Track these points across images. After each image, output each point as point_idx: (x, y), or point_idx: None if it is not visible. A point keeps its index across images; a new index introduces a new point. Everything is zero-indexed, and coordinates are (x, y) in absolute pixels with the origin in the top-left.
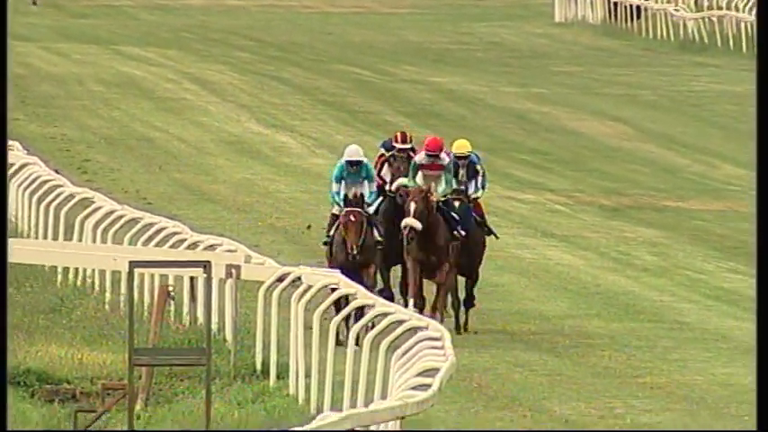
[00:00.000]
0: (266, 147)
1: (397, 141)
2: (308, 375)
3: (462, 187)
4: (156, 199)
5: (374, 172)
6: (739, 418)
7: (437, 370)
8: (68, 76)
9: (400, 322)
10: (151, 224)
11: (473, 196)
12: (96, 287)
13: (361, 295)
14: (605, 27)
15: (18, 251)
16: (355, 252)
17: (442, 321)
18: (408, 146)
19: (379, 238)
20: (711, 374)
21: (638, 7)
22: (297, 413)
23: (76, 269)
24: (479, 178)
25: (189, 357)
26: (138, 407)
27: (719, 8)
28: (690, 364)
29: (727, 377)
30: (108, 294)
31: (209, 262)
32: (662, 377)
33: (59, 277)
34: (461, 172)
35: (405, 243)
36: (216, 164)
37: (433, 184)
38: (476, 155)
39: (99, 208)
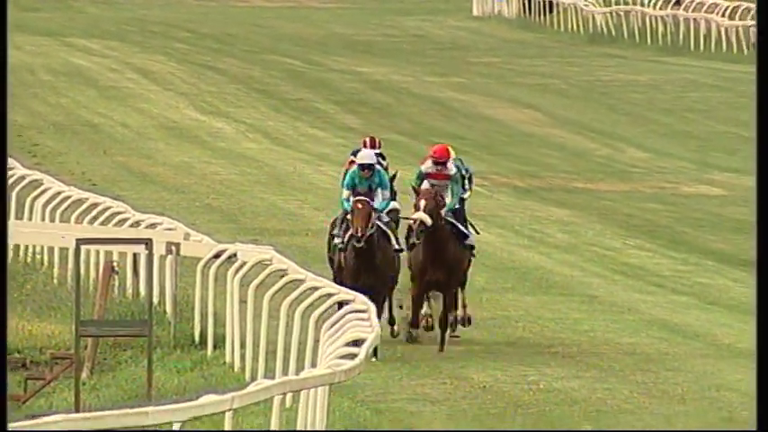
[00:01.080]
0: (203, 132)
1: (366, 147)
2: (243, 345)
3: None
4: (101, 181)
5: (387, 179)
6: (644, 384)
7: (363, 340)
8: (20, 65)
9: (329, 295)
10: (96, 204)
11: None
12: (45, 263)
13: (292, 271)
14: (520, 21)
15: None
16: (360, 235)
17: (456, 325)
18: (377, 150)
19: (397, 247)
20: (618, 344)
21: (551, 2)
22: (233, 380)
23: (26, 246)
24: (466, 183)
25: (132, 329)
26: (83, 375)
27: (626, 3)
28: (598, 335)
29: (633, 347)
30: (56, 270)
31: (150, 239)
32: (572, 347)
33: (10, 254)
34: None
35: (414, 240)
36: (156, 148)
37: (435, 187)
38: (459, 159)
39: (48, 189)
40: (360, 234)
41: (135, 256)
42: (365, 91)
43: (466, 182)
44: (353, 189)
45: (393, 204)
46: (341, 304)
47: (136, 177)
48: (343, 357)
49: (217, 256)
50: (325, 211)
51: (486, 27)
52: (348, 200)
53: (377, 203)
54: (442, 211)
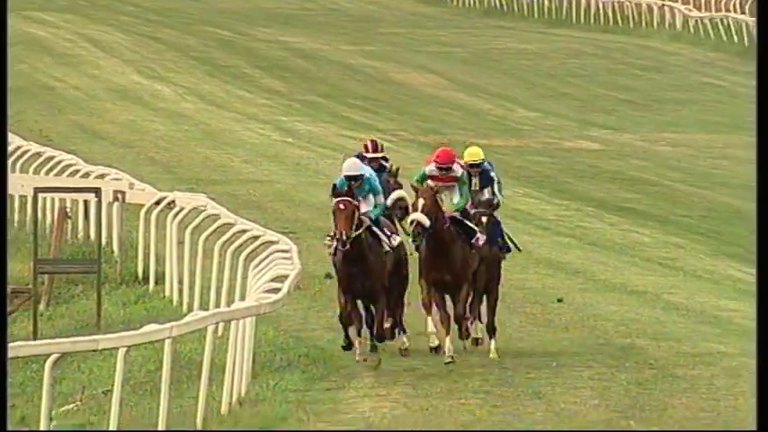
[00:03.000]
0: (146, 94)
1: (367, 151)
2: (180, 281)
3: (490, 197)
4: (56, 137)
5: (378, 184)
6: (533, 315)
7: (287, 276)
8: None
9: (256, 237)
10: (51, 157)
11: (490, 202)
12: (7, 209)
13: (224, 215)
14: None
15: None
16: (344, 238)
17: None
18: (380, 155)
19: (387, 248)
20: (509, 279)
21: None
22: (172, 312)
23: None
24: (495, 186)
25: (83, 266)
26: (41, 307)
27: None
28: None
29: (522, 282)
30: (16, 215)
31: (99, 188)
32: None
33: None
34: (474, 180)
35: (412, 241)
36: (104, 108)
37: (443, 197)
38: (489, 163)
39: (8, 144)
40: (344, 236)
41: (86, 203)
42: (287, 58)
43: (495, 186)
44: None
45: (399, 193)
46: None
47: (87, 134)
48: (268, 291)
49: (158, 202)
50: (252, 163)
51: (394, 2)
52: None
53: (369, 209)
54: (450, 210)
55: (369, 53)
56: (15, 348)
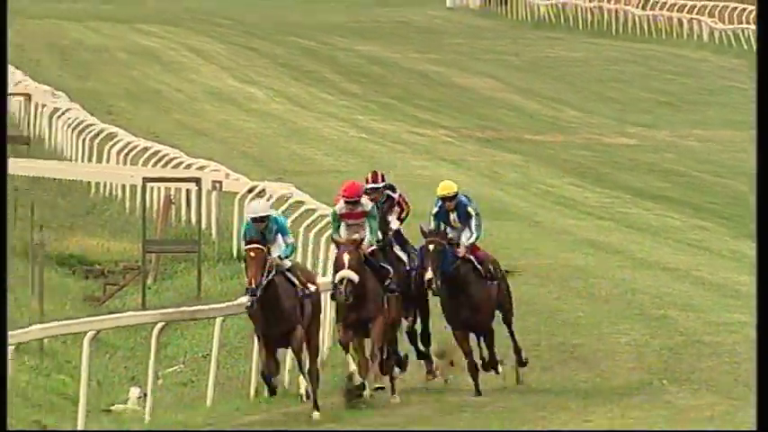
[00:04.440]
0: (240, 96)
1: (368, 182)
2: None
3: (440, 229)
4: (162, 134)
5: (286, 224)
6: (576, 289)
7: None
8: (99, 46)
9: None
10: (158, 151)
11: (467, 243)
12: (119, 196)
13: (308, 202)
14: (482, 11)
15: (63, 171)
16: (255, 287)
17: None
18: (380, 185)
19: (307, 291)
20: (557, 258)
21: None
22: None
23: (105, 183)
24: (472, 222)
25: (185, 246)
26: (149, 281)
27: None
28: (541, 251)
29: (568, 260)
30: (127, 202)
31: (199, 178)
32: (521, 260)
33: (93, 189)
34: (452, 216)
35: (339, 299)
36: (204, 109)
37: (357, 235)
38: (465, 196)
39: (121, 140)
40: (254, 285)
41: (188, 191)
42: (363, 64)
43: (473, 221)
44: (261, 234)
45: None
46: None
47: (188, 131)
48: None
49: (250, 190)
50: (332, 156)
51: (456, 16)
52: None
53: (279, 251)
54: (364, 248)
55: (434, 60)
56: (127, 318)
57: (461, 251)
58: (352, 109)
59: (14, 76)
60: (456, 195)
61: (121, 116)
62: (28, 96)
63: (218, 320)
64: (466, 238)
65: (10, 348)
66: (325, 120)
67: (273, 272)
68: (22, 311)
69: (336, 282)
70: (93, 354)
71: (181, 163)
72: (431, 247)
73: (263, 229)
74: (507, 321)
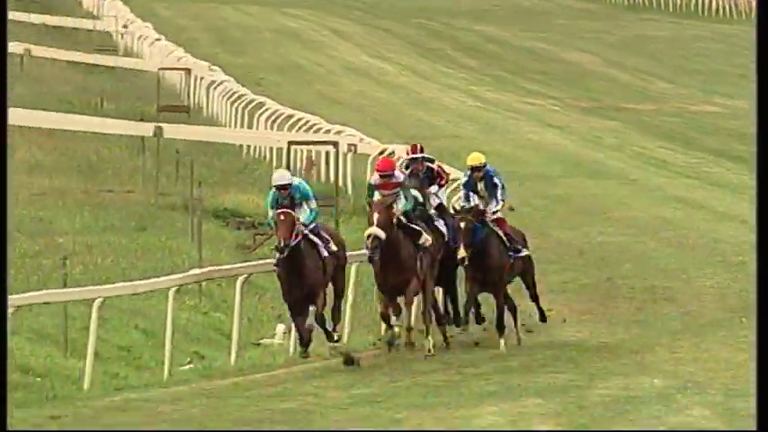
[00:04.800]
0: (372, 70)
1: (408, 154)
2: None
3: (472, 204)
4: (304, 103)
5: (309, 191)
6: (667, 239)
7: None
8: (250, 26)
9: (456, 179)
10: (301, 118)
11: (492, 212)
12: (267, 158)
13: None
14: None
15: (219, 135)
16: (283, 246)
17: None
18: (419, 155)
19: (326, 254)
20: (649, 213)
21: None
22: None
23: (255, 146)
24: (498, 192)
25: (325, 201)
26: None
27: None
28: (634, 205)
29: (659, 213)
30: (274, 161)
31: (337, 142)
32: (615, 212)
33: (244, 151)
34: (479, 185)
35: (369, 254)
36: (341, 81)
37: (389, 198)
38: (491, 167)
39: (269, 108)
40: (283, 243)
41: (327, 153)
42: (480, 42)
43: (498, 191)
44: (276, 207)
45: (414, 194)
46: None
47: (327, 101)
48: None
49: (381, 153)
50: (453, 123)
51: (563, 0)
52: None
53: (303, 217)
54: (397, 213)
55: (542, 38)
56: (273, 263)
57: (488, 217)
58: (469, 81)
59: (176, 52)
60: (484, 166)
61: (269, 88)
62: (188, 71)
63: (355, 266)
64: (492, 208)
65: (171, 291)
66: (446, 91)
67: (299, 236)
68: (183, 258)
69: (366, 236)
70: (244, 294)
71: (320, 128)
72: (462, 224)
73: (287, 196)
74: (530, 291)
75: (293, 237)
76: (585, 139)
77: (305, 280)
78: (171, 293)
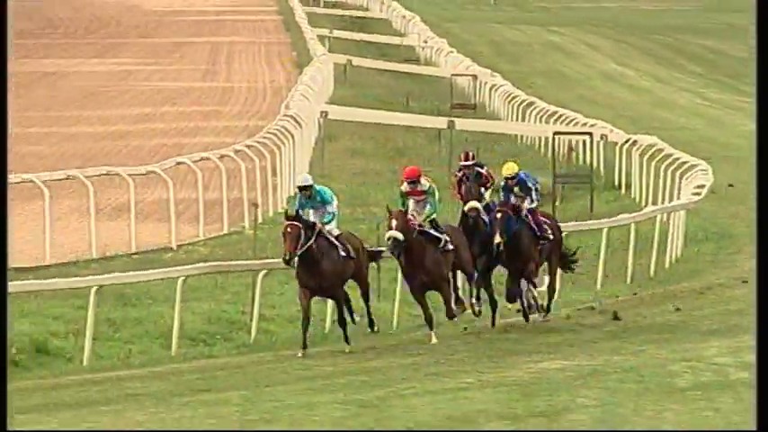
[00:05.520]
0: (619, 76)
1: (461, 160)
2: (641, 188)
3: (511, 200)
4: (565, 102)
5: (329, 195)
6: None
7: (704, 186)
8: (522, 41)
9: (685, 162)
10: (563, 114)
11: (528, 207)
12: (536, 144)
13: (666, 149)
14: None
15: (498, 126)
16: (287, 258)
17: (455, 316)
18: (470, 162)
19: (344, 254)
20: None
21: None
22: (635, 208)
23: (527, 136)
24: (533, 193)
25: (582, 179)
26: (557, 203)
27: None
28: None
29: None
30: (542, 149)
31: (591, 133)
32: None
33: (518, 140)
34: (515, 189)
35: (390, 251)
36: (595, 85)
37: (420, 209)
38: (524, 173)
39: (538, 106)
40: (287, 256)
41: (583, 141)
42: (704, 53)
43: (533, 192)
44: (297, 210)
45: (472, 204)
46: None
47: (585, 101)
48: (693, 194)
49: (627, 141)
50: (685, 117)
51: None
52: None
53: (326, 218)
54: (419, 220)
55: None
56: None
57: (523, 212)
58: (697, 84)
59: (465, 62)
60: (516, 176)
61: (538, 90)
62: (474, 76)
63: (605, 230)
64: (527, 204)
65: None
66: (679, 92)
67: (315, 236)
68: None
69: (386, 239)
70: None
71: (578, 122)
72: (498, 215)
73: (308, 197)
74: (551, 271)
75: (299, 248)
76: None
77: (321, 274)
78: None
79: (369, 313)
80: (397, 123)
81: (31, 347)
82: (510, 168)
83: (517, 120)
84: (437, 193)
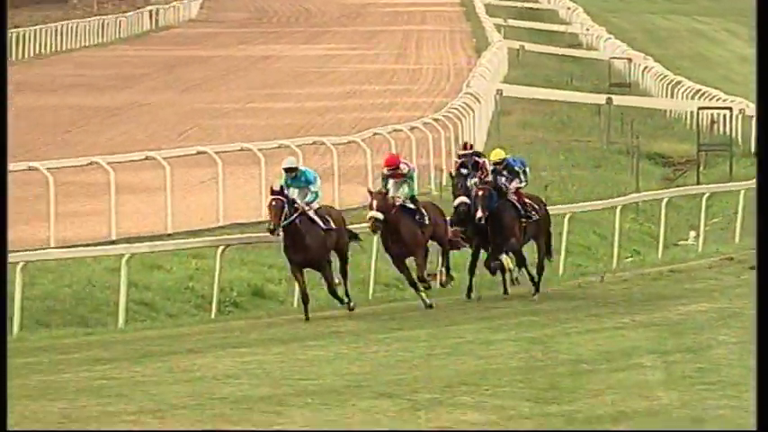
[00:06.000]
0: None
1: (460, 149)
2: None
3: (490, 179)
4: (708, 81)
5: (312, 176)
6: None
7: None
8: (671, 28)
9: None
10: (706, 92)
11: (515, 187)
12: (684, 118)
13: None
14: None
15: (650, 102)
16: (272, 228)
17: (427, 287)
18: (469, 151)
19: (324, 226)
20: None
21: None
22: None
23: (675, 111)
24: (521, 175)
25: (721, 147)
26: (701, 168)
27: None
28: None
29: None
30: (689, 122)
31: (731, 107)
32: None
33: (668, 114)
34: (504, 172)
35: (370, 230)
36: (733, 67)
37: (399, 189)
38: (512, 158)
39: (684, 85)
40: (272, 226)
41: (723, 115)
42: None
43: (521, 174)
44: (281, 187)
45: (461, 199)
46: None
47: (724, 80)
48: None
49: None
50: None
51: None
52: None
53: (308, 198)
54: (400, 198)
55: None
56: (686, 190)
57: (511, 192)
58: None
59: (621, 47)
60: (504, 160)
61: (685, 71)
62: (629, 59)
63: (664, 203)
64: (514, 185)
65: (618, 209)
66: None
67: (298, 213)
68: (625, 186)
69: (367, 218)
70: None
71: (719, 98)
72: (480, 192)
73: (293, 178)
74: (539, 250)
75: (282, 219)
76: None
77: (305, 248)
78: (617, 211)
79: (345, 289)
80: (563, 100)
81: (248, 291)
82: (497, 154)
83: (667, 97)
84: (415, 176)
